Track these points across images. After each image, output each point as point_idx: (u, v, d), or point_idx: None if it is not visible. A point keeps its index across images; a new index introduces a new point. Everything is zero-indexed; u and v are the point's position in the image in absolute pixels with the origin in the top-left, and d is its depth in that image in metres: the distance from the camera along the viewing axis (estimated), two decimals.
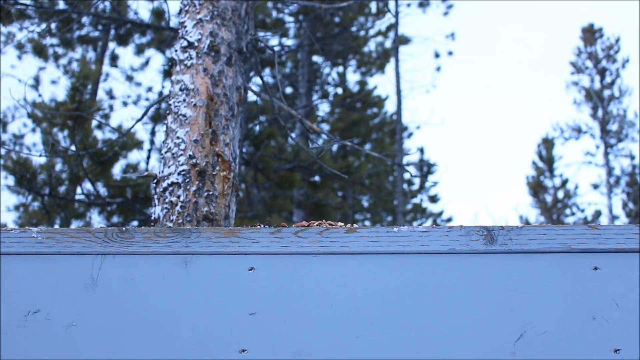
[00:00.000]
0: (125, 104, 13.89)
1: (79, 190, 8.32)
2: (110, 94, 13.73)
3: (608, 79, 23.06)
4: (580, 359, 1.45)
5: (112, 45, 13.08)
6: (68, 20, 9.15)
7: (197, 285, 1.57)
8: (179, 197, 3.20)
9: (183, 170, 3.25)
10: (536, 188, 22.42)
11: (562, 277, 1.53)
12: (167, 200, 3.22)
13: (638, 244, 1.56)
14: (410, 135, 19.74)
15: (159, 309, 1.55)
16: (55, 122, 7.60)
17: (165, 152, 3.37)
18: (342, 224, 1.68)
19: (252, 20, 3.88)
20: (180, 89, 3.48)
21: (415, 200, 20.65)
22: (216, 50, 3.56)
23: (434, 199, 20.75)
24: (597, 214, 21.58)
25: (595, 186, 22.08)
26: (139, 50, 13.20)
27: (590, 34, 23.75)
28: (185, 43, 3.58)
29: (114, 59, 13.41)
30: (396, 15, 15.26)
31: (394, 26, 15.58)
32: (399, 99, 14.47)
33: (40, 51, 11.63)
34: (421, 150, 20.16)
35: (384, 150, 15.54)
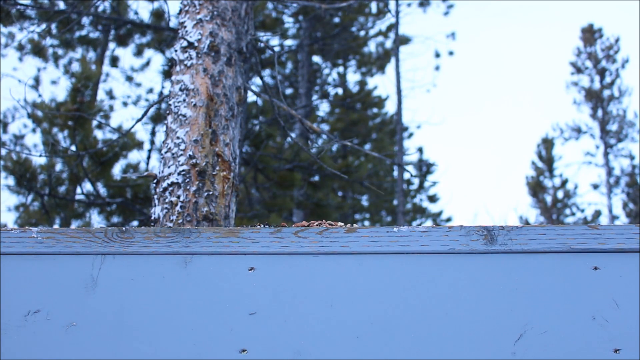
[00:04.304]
0: (125, 104, 13.88)
1: (78, 190, 8.31)
2: (110, 94, 13.73)
3: (608, 79, 23.06)
4: (580, 359, 1.45)
5: (112, 45, 13.08)
6: (68, 21, 9.15)
7: (197, 285, 1.57)
8: (179, 197, 3.20)
9: (183, 171, 3.25)
10: (536, 188, 22.42)
11: (562, 277, 1.54)
12: (167, 200, 3.22)
13: (638, 244, 1.56)
14: (410, 135, 19.74)
15: (159, 309, 1.55)
16: (56, 122, 7.60)
17: (165, 152, 3.37)
18: (342, 224, 1.68)
19: (252, 21, 3.88)
20: (180, 89, 3.48)
21: (415, 200, 20.65)
22: (216, 50, 3.56)
23: (433, 199, 20.74)
24: (597, 214, 21.59)
25: (595, 186, 22.09)
26: (139, 50, 13.20)
27: (590, 34, 23.76)
28: (185, 43, 3.58)
29: (114, 59, 13.41)
30: (396, 14, 15.25)
31: (394, 26, 15.58)
32: (399, 98, 14.47)
33: (39, 51, 11.63)
34: (420, 150, 20.16)
35: (384, 150, 15.55)
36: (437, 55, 18.40)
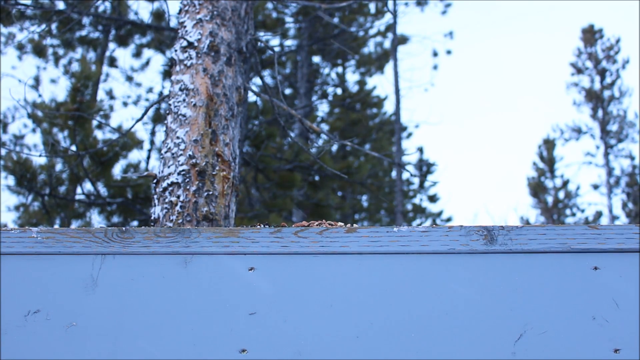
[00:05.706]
0: (125, 104, 13.89)
1: (79, 190, 8.32)
2: (110, 94, 13.73)
3: (608, 80, 23.06)
4: (580, 359, 1.45)
5: (112, 45, 13.09)
6: (68, 21, 9.16)
7: (197, 285, 1.57)
8: (178, 197, 3.20)
9: (183, 170, 3.25)
10: (537, 189, 22.42)
11: (562, 277, 1.54)
12: (167, 200, 3.22)
13: (638, 244, 1.56)
14: (409, 135, 19.74)
15: (159, 309, 1.55)
16: (56, 122, 7.60)
17: (165, 152, 3.37)
18: (342, 224, 1.68)
19: (252, 20, 3.88)
20: (180, 89, 3.48)
21: (415, 200, 20.65)
22: (216, 50, 3.56)
23: (433, 199, 20.74)
24: (598, 214, 21.59)
25: (596, 186, 22.09)
26: (139, 50, 13.21)
27: (591, 34, 23.76)
28: (185, 43, 3.58)
29: (114, 59, 13.41)
30: (394, 14, 15.24)
31: (392, 26, 15.59)
32: (397, 98, 14.47)
33: (40, 51, 11.63)
34: (420, 150, 20.16)
35: (383, 150, 15.55)
36: (435, 54, 18.39)
